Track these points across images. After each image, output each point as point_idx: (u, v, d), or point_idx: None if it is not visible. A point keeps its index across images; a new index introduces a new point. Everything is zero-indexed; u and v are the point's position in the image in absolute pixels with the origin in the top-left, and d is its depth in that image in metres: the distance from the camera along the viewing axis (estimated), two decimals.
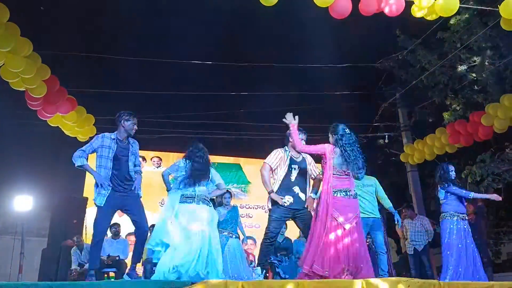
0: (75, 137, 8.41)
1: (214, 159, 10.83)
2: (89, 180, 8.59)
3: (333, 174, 4.14)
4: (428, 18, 5.48)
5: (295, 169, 4.55)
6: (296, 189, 4.52)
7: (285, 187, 4.50)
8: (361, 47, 10.24)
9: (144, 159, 10.59)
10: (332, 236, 3.97)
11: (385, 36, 9.85)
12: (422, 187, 10.68)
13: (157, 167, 10.49)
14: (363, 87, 11.26)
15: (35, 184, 9.97)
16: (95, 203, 4.56)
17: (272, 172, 4.63)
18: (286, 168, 4.53)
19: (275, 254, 7.54)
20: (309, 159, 4.74)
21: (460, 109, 9.06)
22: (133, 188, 4.67)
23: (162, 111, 10.47)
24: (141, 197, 4.77)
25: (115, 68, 9.64)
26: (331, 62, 9.96)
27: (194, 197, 4.43)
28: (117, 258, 7.53)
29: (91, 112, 8.12)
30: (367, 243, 6.26)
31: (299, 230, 5.37)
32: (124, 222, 8.26)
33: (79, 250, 7.73)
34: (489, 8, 6.03)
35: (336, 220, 4.00)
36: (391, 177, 11.50)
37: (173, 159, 10.79)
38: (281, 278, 6.79)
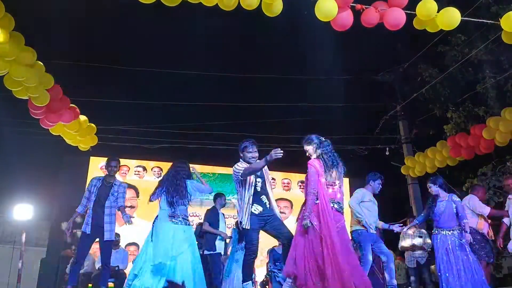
0: (77, 146, 8.41)
1: (215, 170, 10.99)
2: None
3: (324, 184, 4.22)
4: (430, 30, 5.52)
5: (259, 182, 4.63)
6: (264, 198, 4.60)
7: (255, 197, 4.55)
8: (362, 60, 10.30)
9: (144, 169, 10.61)
10: (332, 252, 3.96)
11: (386, 48, 9.92)
12: (422, 200, 10.64)
13: (158, 177, 10.48)
14: (364, 99, 11.30)
15: (35, 193, 9.96)
16: (82, 230, 5.50)
17: (240, 185, 4.64)
18: (253, 182, 4.58)
19: (274, 264, 7.49)
20: (265, 167, 4.78)
21: (461, 122, 9.09)
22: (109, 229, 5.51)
23: (163, 121, 10.50)
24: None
25: (117, 78, 9.70)
26: (333, 74, 10.02)
27: (174, 217, 4.81)
28: (117, 268, 7.50)
29: (93, 121, 8.14)
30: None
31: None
32: (124, 232, 8.25)
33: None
34: (490, 21, 6.06)
35: (335, 236, 4.01)
36: (392, 190, 11.46)
37: None
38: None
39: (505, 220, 6.17)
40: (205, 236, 6.80)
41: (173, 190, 4.85)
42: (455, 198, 5.56)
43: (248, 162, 4.65)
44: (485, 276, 5.74)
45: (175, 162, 5.21)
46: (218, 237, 6.75)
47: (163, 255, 4.64)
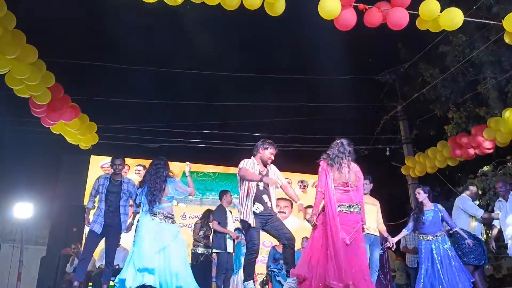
0: (77, 145, 8.40)
1: (215, 169, 10.98)
2: (90, 189, 8.62)
3: (335, 187, 4.17)
4: (432, 30, 5.52)
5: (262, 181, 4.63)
6: (265, 197, 4.62)
7: (256, 196, 4.58)
8: (364, 60, 10.30)
9: (145, 168, 10.56)
10: (333, 249, 3.95)
11: (387, 49, 9.92)
12: None
13: None
14: (364, 99, 11.30)
15: (35, 192, 9.96)
16: (91, 229, 5.46)
17: (243, 182, 4.64)
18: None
19: (274, 263, 7.49)
20: (273, 169, 4.83)
21: (462, 122, 9.10)
22: (121, 223, 5.51)
23: (165, 120, 10.49)
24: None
25: (117, 76, 9.69)
26: (333, 74, 10.01)
27: (155, 214, 4.85)
28: (117, 267, 7.48)
29: (94, 120, 8.13)
30: None
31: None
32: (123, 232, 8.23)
33: (77, 258, 7.70)
34: (493, 22, 6.06)
35: (338, 235, 4.00)
36: (392, 190, 11.46)
37: (176, 168, 10.79)
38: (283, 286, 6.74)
39: (495, 223, 6.21)
40: (213, 235, 6.74)
41: (153, 189, 4.90)
42: (441, 207, 5.78)
43: (265, 161, 4.69)
44: (479, 279, 5.80)
45: (154, 160, 5.20)
46: (228, 236, 6.69)
47: (144, 253, 4.67)
